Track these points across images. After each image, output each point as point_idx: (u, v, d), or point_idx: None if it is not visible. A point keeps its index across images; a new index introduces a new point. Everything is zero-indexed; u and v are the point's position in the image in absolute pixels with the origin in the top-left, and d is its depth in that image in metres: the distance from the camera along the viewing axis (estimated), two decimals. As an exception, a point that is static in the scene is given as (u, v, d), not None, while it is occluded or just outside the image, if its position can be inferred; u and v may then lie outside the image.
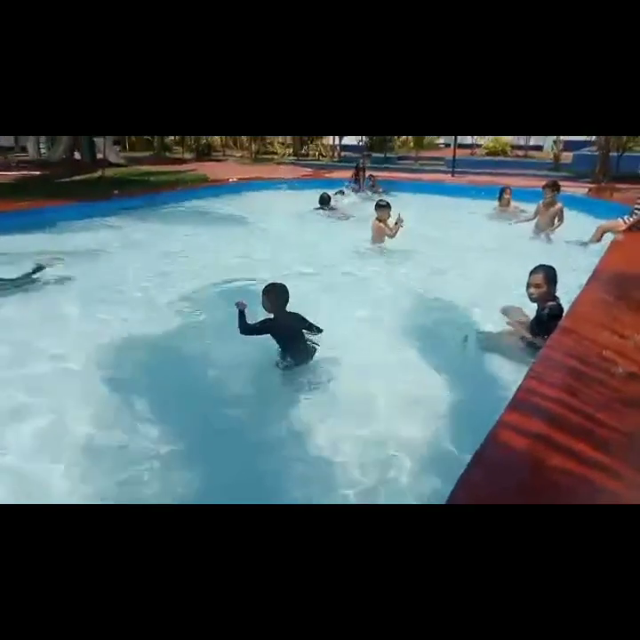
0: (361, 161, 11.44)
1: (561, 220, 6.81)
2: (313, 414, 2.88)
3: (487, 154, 16.90)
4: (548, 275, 3.43)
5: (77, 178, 11.10)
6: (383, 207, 6.31)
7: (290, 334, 3.24)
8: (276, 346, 3.28)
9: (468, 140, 18.93)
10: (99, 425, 2.79)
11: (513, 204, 8.24)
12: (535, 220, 7.19)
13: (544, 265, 3.51)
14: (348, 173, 11.39)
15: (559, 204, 6.84)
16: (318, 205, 8.69)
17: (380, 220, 6.29)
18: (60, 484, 2.39)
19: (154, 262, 5.95)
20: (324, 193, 8.87)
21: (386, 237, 6.27)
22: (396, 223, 6.08)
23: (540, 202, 7.09)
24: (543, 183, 7.19)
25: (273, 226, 8.07)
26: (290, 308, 3.28)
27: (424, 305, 4.61)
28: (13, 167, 13.16)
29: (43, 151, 14.78)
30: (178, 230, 7.63)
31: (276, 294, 3.20)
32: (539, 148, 17.54)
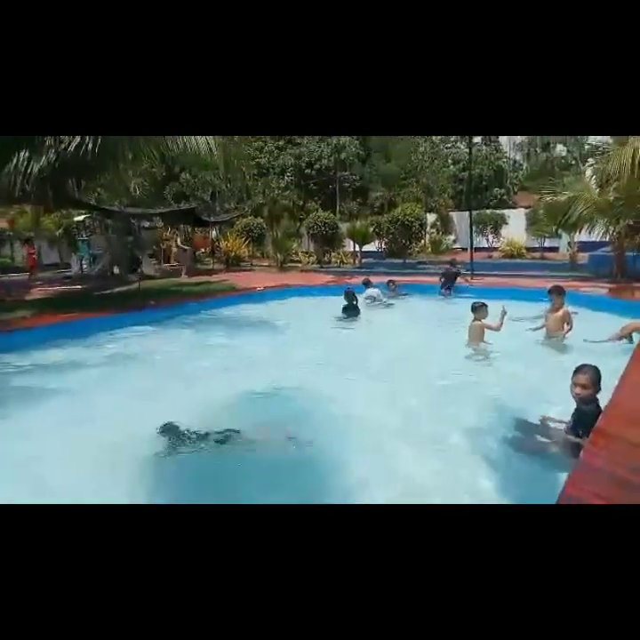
0: (459, 268, 11.92)
1: (570, 324, 6.53)
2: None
3: (503, 256, 17.50)
4: (593, 376, 3.37)
5: (117, 290, 11.84)
6: (479, 308, 6.24)
7: None
8: None
9: (484, 243, 19.75)
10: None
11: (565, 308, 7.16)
12: (545, 327, 6.85)
13: (590, 365, 3.43)
14: (367, 278, 11.33)
15: (565, 308, 6.62)
16: (345, 309, 8.83)
17: (479, 320, 6.24)
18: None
19: (187, 369, 6.15)
20: (350, 291, 9.02)
21: (484, 339, 6.26)
22: (502, 315, 6.04)
23: (547, 307, 6.82)
24: (551, 286, 6.95)
25: (305, 331, 8.32)
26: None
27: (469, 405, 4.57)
28: (57, 282, 14.16)
29: (85, 266, 15.90)
30: (209, 337, 7.97)
31: None
32: (554, 249, 18.05)
